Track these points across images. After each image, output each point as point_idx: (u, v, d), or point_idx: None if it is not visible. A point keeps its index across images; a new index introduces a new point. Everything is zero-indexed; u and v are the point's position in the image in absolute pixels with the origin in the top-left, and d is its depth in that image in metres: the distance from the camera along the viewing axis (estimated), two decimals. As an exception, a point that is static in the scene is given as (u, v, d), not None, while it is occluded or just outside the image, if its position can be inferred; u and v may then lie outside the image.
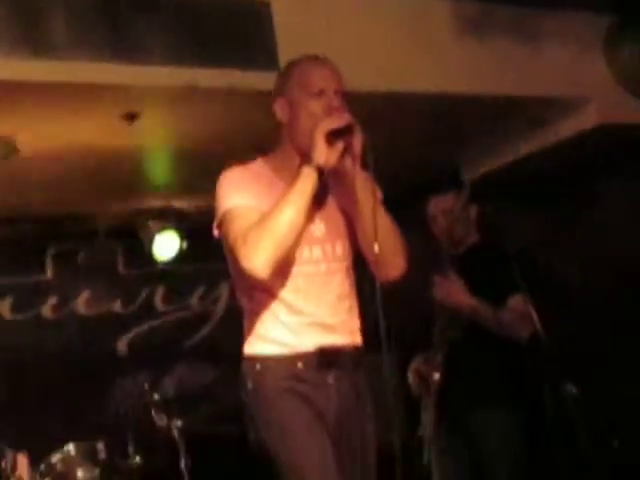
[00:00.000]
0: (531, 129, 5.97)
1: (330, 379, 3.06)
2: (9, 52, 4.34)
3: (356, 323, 3.19)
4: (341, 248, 3.15)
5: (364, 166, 2.91)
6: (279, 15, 4.96)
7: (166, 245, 6.66)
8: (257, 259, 2.80)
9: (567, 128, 5.87)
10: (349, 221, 3.15)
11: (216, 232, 3.06)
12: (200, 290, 7.07)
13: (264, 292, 3.04)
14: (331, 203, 3.17)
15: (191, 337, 7.05)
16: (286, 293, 3.05)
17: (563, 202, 6.44)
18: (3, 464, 4.63)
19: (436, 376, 4.59)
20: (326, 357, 3.05)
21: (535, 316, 4.27)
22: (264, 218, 2.83)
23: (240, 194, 2.97)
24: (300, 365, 3.02)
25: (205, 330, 7.05)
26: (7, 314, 6.54)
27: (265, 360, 3.06)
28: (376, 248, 2.89)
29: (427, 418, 4.62)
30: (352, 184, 2.98)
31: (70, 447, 4.82)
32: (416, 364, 4.76)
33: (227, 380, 5.83)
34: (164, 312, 7.04)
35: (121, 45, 4.57)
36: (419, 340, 4.66)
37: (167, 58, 4.69)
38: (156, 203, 6.50)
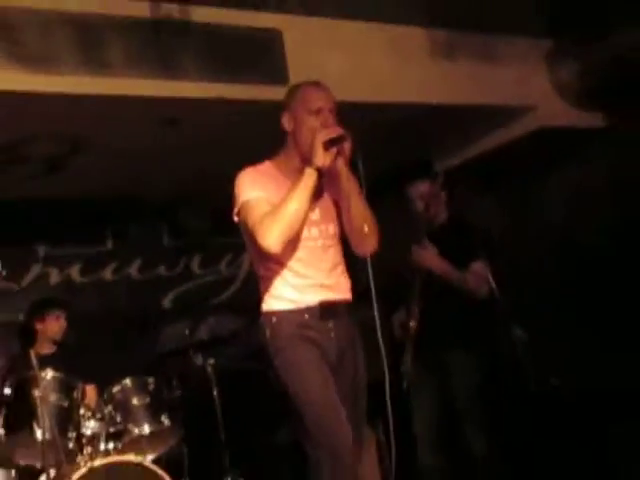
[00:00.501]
0: (489, 130, 6.01)
1: (330, 325, 3.20)
2: (74, 71, 4.37)
3: (347, 283, 3.34)
4: (333, 228, 3.31)
5: (350, 166, 3.08)
6: (288, 41, 5.01)
7: (200, 222, 6.72)
8: (271, 239, 2.98)
9: (517, 129, 5.92)
10: (337, 208, 3.29)
11: (236, 218, 3.21)
12: (227, 258, 7.09)
13: (275, 263, 3.18)
14: (324, 194, 3.31)
15: (220, 295, 7.08)
16: (292, 262, 3.19)
17: (514, 188, 6.47)
18: (75, 394, 4.66)
19: (413, 324, 4.64)
20: (326, 309, 3.18)
21: (491, 278, 4.33)
22: (277, 207, 3.02)
23: (253, 189, 3.13)
24: (307, 316, 3.16)
25: (231, 290, 7.06)
26: (76, 277, 6.58)
27: (279, 314, 3.20)
28: (366, 229, 3.15)
29: (407, 357, 4.65)
30: (340, 179, 3.14)
31: (127, 380, 4.84)
32: (398, 315, 4.79)
33: (249, 327, 5.87)
34: (199, 275, 7.06)
35: (164, 65, 4.60)
36: (401, 296, 4.68)
37: (200, 76, 4.71)
38: (191, 188, 6.49)
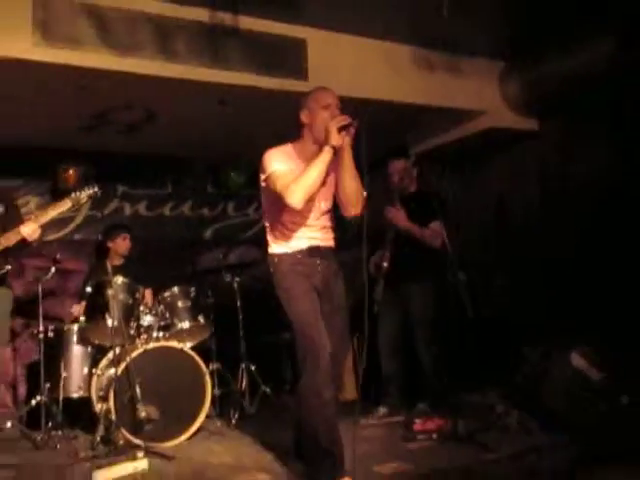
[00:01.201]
0: (452, 126, 5.91)
1: (317, 262, 3.26)
2: (151, 57, 4.29)
3: (331, 237, 3.38)
4: (325, 205, 3.31)
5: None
6: (310, 48, 4.93)
7: (236, 178, 6.63)
8: (296, 198, 3.01)
9: (472, 127, 5.81)
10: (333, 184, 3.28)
11: (263, 183, 3.25)
12: (254, 205, 7.01)
13: (279, 221, 3.25)
14: (326, 181, 3.22)
15: (247, 232, 7.02)
16: (291, 223, 3.23)
17: (466, 171, 6.41)
18: (137, 295, 4.66)
19: (385, 265, 4.62)
20: (313, 250, 3.24)
21: (445, 234, 4.28)
22: (300, 176, 3.03)
23: (279, 163, 3.14)
24: (299, 256, 3.23)
25: (255, 229, 6.96)
26: (143, 211, 6.54)
27: (279, 256, 3.27)
28: (365, 194, 3.19)
29: (379, 288, 4.65)
30: (344, 156, 3.11)
31: (175, 288, 4.86)
32: (374, 257, 4.77)
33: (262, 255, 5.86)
34: (233, 216, 7.00)
35: (216, 58, 4.52)
36: (376, 243, 4.65)
37: (243, 68, 4.62)
38: (232, 153, 6.41)
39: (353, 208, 3.22)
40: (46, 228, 4.11)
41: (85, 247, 6.00)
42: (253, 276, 5.51)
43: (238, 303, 5.28)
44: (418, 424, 4.18)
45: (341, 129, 3.01)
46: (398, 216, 4.63)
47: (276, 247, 3.27)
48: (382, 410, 4.67)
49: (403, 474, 3.29)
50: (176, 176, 6.66)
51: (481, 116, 5.72)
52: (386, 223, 4.68)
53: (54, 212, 3.86)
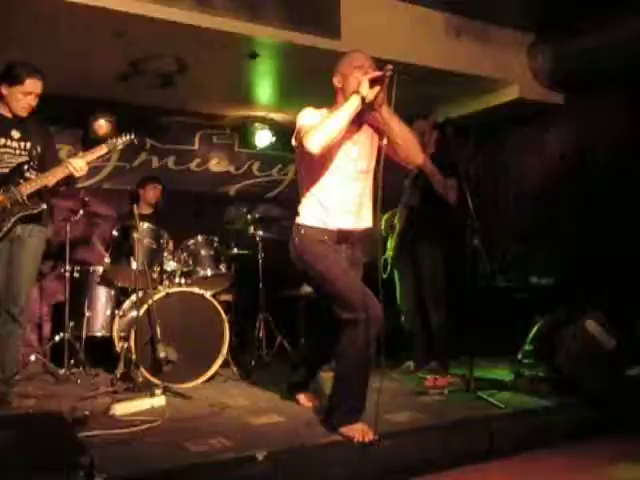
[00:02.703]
0: (481, 95, 5.78)
1: (343, 247, 3.08)
2: (188, 6, 4.21)
3: (369, 212, 3.12)
4: (367, 165, 3.09)
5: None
6: (344, 7, 4.82)
7: (263, 138, 6.53)
8: (313, 142, 2.80)
9: (501, 97, 5.74)
10: (375, 151, 3.09)
11: (293, 141, 3.03)
12: (278, 166, 6.93)
13: (316, 188, 3.03)
14: (364, 137, 3.08)
15: (270, 191, 6.93)
16: (328, 190, 3.02)
17: (489, 140, 6.27)
18: (162, 241, 4.60)
19: (399, 223, 4.55)
20: (342, 236, 3.05)
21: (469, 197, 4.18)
22: (323, 121, 2.84)
23: (310, 119, 2.94)
24: (325, 237, 3.02)
25: (278, 189, 6.92)
26: (172, 165, 6.45)
27: (306, 228, 3.05)
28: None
29: (391, 245, 4.57)
30: (382, 112, 2.89)
31: (199, 237, 4.79)
32: (387, 215, 4.68)
33: (288, 215, 5.77)
34: (257, 176, 6.89)
35: (252, 11, 4.44)
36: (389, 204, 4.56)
37: (279, 23, 4.52)
38: (261, 113, 6.30)
39: (414, 157, 3.03)
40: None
41: (113, 196, 5.94)
42: (275, 230, 5.46)
43: (259, 256, 5.22)
44: (430, 380, 4.13)
45: (373, 82, 2.80)
46: (425, 160, 4.53)
47: (305, 218, 3.05)
48: (410, 365, 4.60)
49: (415, 423, 3.23)
50: (204, 133, 6.56)
51: (508, 87, 5.60)
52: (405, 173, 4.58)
53: (93, 155, 3.79)
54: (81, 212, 4.70)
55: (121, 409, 3.41)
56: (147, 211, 5.34)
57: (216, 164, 6.64)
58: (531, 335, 4.13)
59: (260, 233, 5.20)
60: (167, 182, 5.90)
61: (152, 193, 5.41)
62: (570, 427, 3.43)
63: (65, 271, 4.68)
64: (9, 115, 3.60)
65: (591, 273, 4.77)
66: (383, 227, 4.69)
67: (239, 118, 6.45)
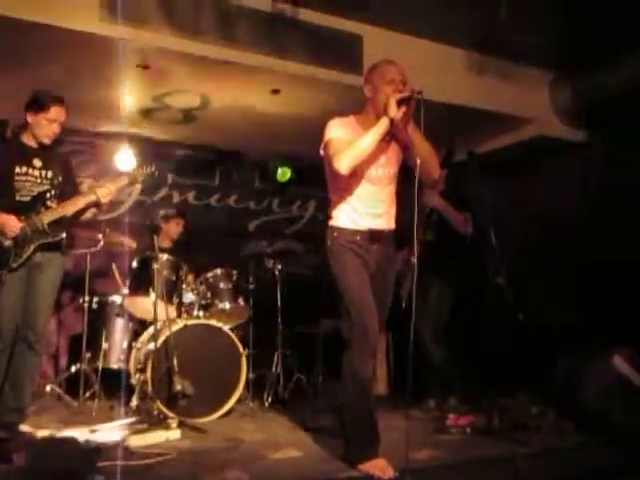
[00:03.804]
0: (501, 133, 5.78)
1: (374, 247, 3.10)
2: (212, 41, 4.26)
3: (394, 211, 3.21)
4: (393, 171, 3.18)
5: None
6: (366, 44, 4.86)
7: (283, 174, 6.57)
8: (343, 164, 2.91)
9: (521, 134, 5.69)
10: (399, 156, 3.17)
11: (322, 152, 3.08)
12: (298, 203, 6.95)
13: (346, 191, 3.10)
14: (391, 145, 3.15)
15: (290, 228, 6.91)
16: (358, 193, 3.09)
17: (514, 174, 6.21)
18: (181, 273, 4.60)
19: (414, 260, 4.51)
20: (373, 235, 3.08)
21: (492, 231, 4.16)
22: (353, 143, 2.93)
23: (337, 131, 3.02)
24: (358, 237, 3.08)
25: (297, 225, 6.92)
26: (192, 200, 6.49)
27: (339, 230, 3.11)
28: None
29: (406, 284, 4.54)
30: (406, 129, 2.97)
31: (218, 270, 4.79)
32: (401, 253, 4.63)
33: (307, 250, 5.77)
34: (277, 212, 6.90)
35: (275, 47, 4.49)
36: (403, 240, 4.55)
37: (301, 59, 4.57)
38: (281, 150, 6.33)
39: (433, 172, 3.08)
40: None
41: (134, 229, 5.94)
42: (294, 263, 5.44)
43: (278, 290, 5.17)
44: (451, 419, 4.02)
45: (401, 102, 2.88)
46: (434, 197, 4.52)
47: (338, 220, 3.11)
48: (431, 402, 4.51)
49: (437, 461, 3.13)
50: (224, 169, 6.61)
51: (529, 124, 5.58)
52: (420, 208, 4.56)
53: (115, 185, 3.81)
54: (101, 243, 4.71)
55: (136, 441, 3.36)
56: (167, 245, 5.34)
57: (236, 201, 6.66)
58: (556, 372, 4.02)
59: (279, 267, 5.18)
60: (189, 218, 5.93)
61: (175, 228, 5.41)
62: (597, 467, 3.30)
63: (84, 302, 4.67)
64: (32, 144, 3.64)
65: (615, 309, 4.67)
66: (398, 265, 4.66)
67: (259, 154, 6.48)
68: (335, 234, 3.09)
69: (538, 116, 5.53)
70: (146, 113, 5.37)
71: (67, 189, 3.75)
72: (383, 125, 2.90)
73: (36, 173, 3.62)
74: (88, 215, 3.83)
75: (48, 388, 4.60)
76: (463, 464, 3.12)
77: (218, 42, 4.25)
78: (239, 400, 4.41)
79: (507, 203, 5.96)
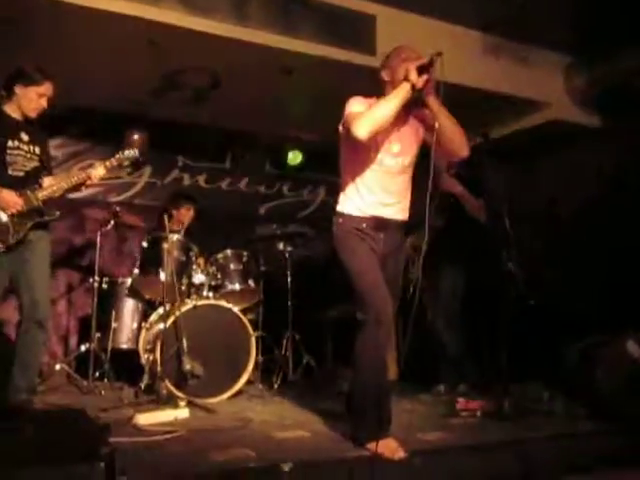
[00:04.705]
0: (517, 115, 5.72)
1: (381, 235, 3.03)
2: (223, 19, 4.22)
3: (407, 205, 3.12)
4: (409, 160, 3.07)
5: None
6: (379, 24, 4.81)
7: (294, 158, 6.53)
8: (361, 128, 2.78)
9: (537, 118, 5.64)
10: (420, 140, 3.08)
11: (340, 128, 2.99)
12: (309, 188, 6.91)
13: (358, 177, 3.02)
14: (408, 132, 3.06)
15: (299, 212, 6.89)
16: (369, 180, 3.01)
17: (527, 160, 6.15)
18: (191, 254, 4.59)
19: (424, 246, 4.47)
20: (380, 223, 3.02)
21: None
22: (372, 108, 2.84)
23: (357, 106, 2.91)
24: (364, 225, 3.01)
25: (307, 210, 6.90)
26: (202, 184, 6.46)
27: (345, 216, 3.05)
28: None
29: (414, 269, 4.51)
30: (429, 102, 2.87)
31: (228, 251, 4.77)
32: (411, 238, 4.58)
33: (317, 234, 5.75)
34: (288, 196, 6.86)
35: (288, 25, 4.46)
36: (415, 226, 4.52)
37: (313, 38, 4.52)
38: (292, 133, 6.30)
39: (460, 150, 2.98)
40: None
41: (144, 211, 5.94)
42: (301, 246, 5.42)
43: (288, 273, 5.16)
44: (461, 403, 4.00)
45: (421, 70, 2.78)
46: (452, 182, 4.48)
47: (345, 205, 3.05)
48: (441, 388, 4.51)
49: (446, 442, 3.11)
50: (236, 152, 6.57)
51: (544, 108, 5.52)
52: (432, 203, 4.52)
53: (104, 166, 3.76)
54: (112, 223, 4.71)
55: (144, 419, 3.35)
56: (177, 228, 5.32)
57: (247, 184, 6.63)
58: (568, 357, 3.99)
59: (290, 249, 5.15)
60: (198, 200, 5.91)
61: (186, 214, 5.37)
62: (608, 453, 3.27)
63: (94, 281, 4.68)
64: (18, 117, 3.57)
65: (628, 295, 4.62)
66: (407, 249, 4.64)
67: (271, 137, 6.45)
68: (340, 220, 3.05)
69: (553, 100, 5.48)
70: (156, 93, 5.32)
71: (48, 166, 3.73)
72: (404, 89, 2.79)
73: (25, 148, 3.56)
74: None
75: (57, 367, 4.61)
76: (473, 447, 3.08)
77: (230, 20, 4.22)
78: (248, 382, 4.41)
79: (521, 187, 5.90)
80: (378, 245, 3.02)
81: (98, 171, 3.67)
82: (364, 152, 2.95)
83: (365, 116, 2.80)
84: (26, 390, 3.57)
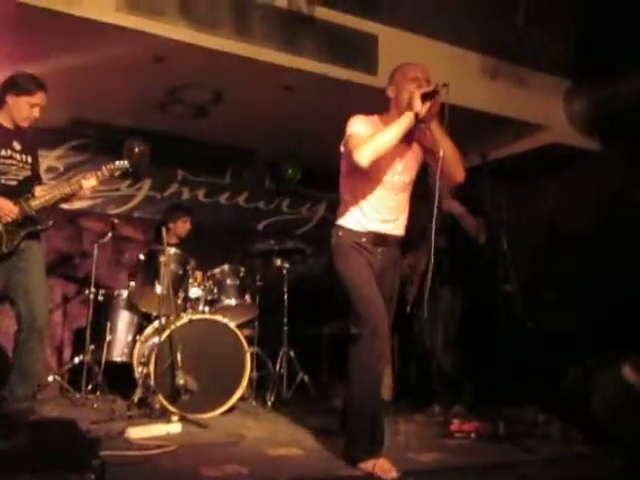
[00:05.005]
0: (514, 139, 5.75)
1: (379, 250, 3.05)
2: (226, 35, 4.25)
3: (405, 221, 3.15)
4: (409, 178, 3.11)
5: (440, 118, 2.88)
6: (381, 44, 4.85)
7: (293, 175, 6.55)
8: (363, 156, 2.82)
9: (535, 141, 5.67)
10: (420, 160, 3.12)
11: (342, 148, 3.02)
12: (308, 205, 6.93)
13: (359, 192, 3.04)
14: (410, 151, 3.08)
15: (298, 229, 6.90)
16: (371, 196, 3.03)
17: (526, 182, 6.17)
18: (188, 267, 4.58)
19: (422, 265, 4.48)
20: (379, 238, 3.04)
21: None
22: (375, 135, 2.87)
23: (359, 127, 2.94)
24: (364, 239, 3.03)
25: (306, 227, 6.91)
26: (201, 198, 6.46)
27: (345, 229, 3.06)
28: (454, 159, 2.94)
29: (411, 289, 4.54)
30: (431, 127, 2.91)
31: (225, 266, 4.77)
32: (407, 259, 4.59)
33: (315, 251, 5.73)
34: (286, 213, 6.87)
35: (290, 43, 4.49)
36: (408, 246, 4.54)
37: (315, 56, 4.56)
38: (291, 149, 6.31)
39: (457, 174, 3.00)
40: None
41: (143, 224, 5.95)
42: (299, 262, 5.42)
43: (285, 289, 5.14)
44: (455, 424, 3.97)
45: (425, 97, 2.80)
46: (453, 204, 4.49)
47: (345, 219, 3.06)
48: (436, 408, 4.46)
49: (440, 464, 3.08)
50: (235, 168, 6.57)
51: (543, 131, 5.55)
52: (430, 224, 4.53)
53: (96, 176, 3.76)
54: (109, 235, 4.70)
55: (136, 433, 3.33)
56: (174, 241, 5.31)
57: (245, 200, 6.63)
58: (565, 380, 3.97)
59: (287, 266, 5.15)
60: (196, 214, 5.91)
61: (183, 227, 5.36)
62: (603, 478, 3.25)
63: (90, 293, 4.66)
64: (10, 126, 3.57)
65: (627, 319, 4.61)
66: (404, 269, 4.63)
67: (271, 153, 6.46)
68: (340, 233, 3.05)
69: (553, 124, 5.50)
70: (159, 107, 5.35)
71: (39, 176, 3.74)
72: (407, 119, 2.82)
73: (17, 157, 3.56)
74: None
75: (50, 379, 4.58)
76: (467, 468, 3.06)
77: (233, 36, 4.25)
78: (242, 398, 4.38)
79: (520, 209, 5.92)
80: (376, 260, 3.04)
81: (90, 181, 3.67)
82: (366, 170, 2.94)
83: (367, 144, 2.82)
84: (26, 398, 3.54)
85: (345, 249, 3.02)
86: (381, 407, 2.97)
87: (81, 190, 3.66)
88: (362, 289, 2.94)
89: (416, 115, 2.81)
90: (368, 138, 2.85)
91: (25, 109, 3.52)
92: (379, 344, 2.88)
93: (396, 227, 3.10)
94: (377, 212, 3.03)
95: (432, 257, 4.10)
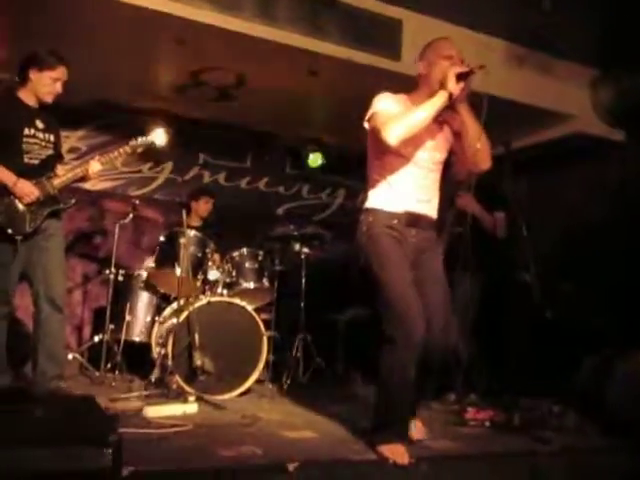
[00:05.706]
0: (539, 128, 5.68)
1: (413, 232, 2.90)
2: (250, 18, 4.23)
3: (437, 202, 3.01)
4: (441, 156, 2.99)
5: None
6: (405, 29, 4.81)
7: (314, 160, 6.54)
8: (393, 134, 2.71)
9: (560, 130, 5.62)
10: (450, 141, 2.99)
11: (366, 124, 2.89)
12: (328, 190, 6.92)
13: (389, 171, 2.91)
14: (440, 130, 2.98)
15: (317, 215, 6.89)
16: (402, 174, 2.90)
17: (548, 172, 6.11)
18: (207, 250, 4.61)
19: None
20: (411, 219, 2.89)
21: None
22: (406, 114, 2.75)
23: (387, 104, 2.83)
24: (395, 221, 2.88)
25: (326, 213, 6.91)
26: (222, 181, 6.49)
27: (376, 212, 2.91)
28: (479, 145, 2.79)
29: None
30: (460, 111, 2.81)
31: (244, 249, 4.78)
32: None
33: (334, 237, 5.75)
34: (306, 198, 6.88)
35: (314, 27, 4.47)
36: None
37: (339, 41, 4.53)
38: (312, 134, 6.31)
39: (483, 162, 2.88)
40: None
41: (163, 206, 6.00)
42: (318, 247, 5.42)
43: (303, 274, 5.15)
44: (470, 412, 3.97)
45: (460, 77, 2.70)
46: (468, 201, 4.45)
47: (375, 200, 2.91)
48: (452, 396, 4.47)
49: (453, 451, 3.09)
50: (256, 152, 6.59)
51: (568, 120, 5.49)
52: (452, 210, 4.49)
53: (112, 154, 3.78)
54: (130, 216, 4.74)
55: (153, 412, 3.37)
56: (196, 223, 5.35)
57: (266, 184, 6.65)
58: (581, 372, 3.95)
59: (306, 251, 5.15)
60: (219, 198, 5.94)
61: (204, 207, 5.41)
62: (618, 471, 3.23)
63: (110, 273, 4.71)
64: (32, 104, 3.58)
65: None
66: None
67: (292, 138, 6.46)
68: (371, 219, 2.88)
69: (578, 113, 5.44)
70: (181, 90, 5.36)
71: (61, 155, 3.78)
72: (441, 98, 2.70)
73: (40, 135, 3.57)
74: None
75: (70, 357, 4.64)
76: (480, 456, 3.06)
77: (257, 19, 4.23)
78: (258, 381, 4.41)
79: (542, 199, 5.86)
80: (409, 244, 2.88)
81: (94, 165, 3.67)
82: (395, 147, 2.81)
83: (398, 122, 2.70)
84: (56, 377, 3.59)
85: (378, 237, 2.85)
86: (409, 408, 2.92)
87: (87, 173, 3.68)
88: (399, 286, 2.77)
89: (450, 95, 2.71)
90: (398, 116, 2.74)
91: (48, 84, 3.52)
92: (412, 353, 2.72)
93: (431, 208, 2.95)
94: (409, 189, 2.88)
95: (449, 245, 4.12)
